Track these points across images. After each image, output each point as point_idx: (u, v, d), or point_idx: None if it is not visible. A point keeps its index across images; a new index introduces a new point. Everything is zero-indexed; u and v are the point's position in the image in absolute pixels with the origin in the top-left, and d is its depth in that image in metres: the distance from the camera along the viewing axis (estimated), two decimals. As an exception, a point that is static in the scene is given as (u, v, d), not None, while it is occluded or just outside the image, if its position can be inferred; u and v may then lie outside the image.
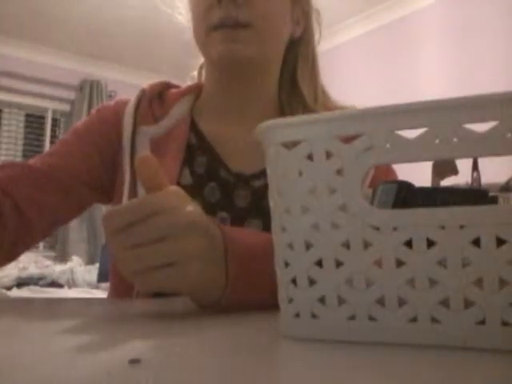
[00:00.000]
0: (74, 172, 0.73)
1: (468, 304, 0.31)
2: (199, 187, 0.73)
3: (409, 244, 0.32)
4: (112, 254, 0.46)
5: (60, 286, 3.32)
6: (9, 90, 4.36)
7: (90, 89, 4.64)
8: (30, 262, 3.43)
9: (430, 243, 0.31)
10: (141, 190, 0.70)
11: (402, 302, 0.32)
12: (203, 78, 0.84)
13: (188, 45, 0.79)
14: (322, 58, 0.84)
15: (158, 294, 0.64)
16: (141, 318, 0.48)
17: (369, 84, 3.68)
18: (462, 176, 0.45)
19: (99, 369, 0.27)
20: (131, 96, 0.79)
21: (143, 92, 0.78)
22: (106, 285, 3.01)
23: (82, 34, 4.14)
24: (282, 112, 0.79)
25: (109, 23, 3.97)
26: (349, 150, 0.33)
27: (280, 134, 0.35)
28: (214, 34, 0.70)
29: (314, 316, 0.35)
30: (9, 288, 3.08)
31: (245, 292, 0.49)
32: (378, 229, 0.32)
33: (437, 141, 0.31)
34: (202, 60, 0.84)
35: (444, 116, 0.31)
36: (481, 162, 0.43)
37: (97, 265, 3.64)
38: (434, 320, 0.32)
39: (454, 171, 0.45)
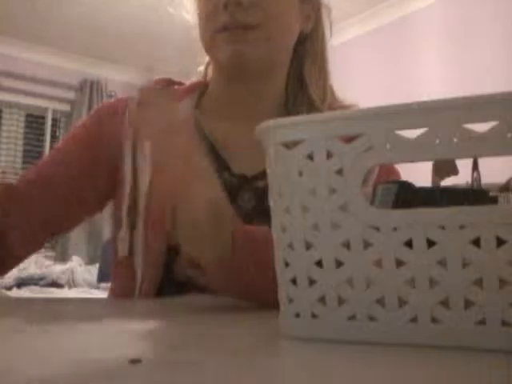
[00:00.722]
0: (72, 179, 0.72)
1: (468, 304, 0.31)
2: None
3: (409, 244, 0.32)
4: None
5: (60, 286, 3.32)
6: (9, 90, 4.36)
7: (90, 89, 4.63)
8: (30, 262, 3.43)
9: (430, 243, 0.31)
10: (141, 192, 0.69)
11: (402, 302, 0.32)
12: (208, 77, 0.83)
13: (188, 45, 0.78)
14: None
15: (158, 294, 0.64)
16: (141, 317, 0.48)
17: (369, 84, 3.68)
18: (462, 176, 0.45)
19: (99, 369, 0.27)
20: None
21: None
22: (106, 285, 3.01)
23: (82, 34, 4.13)
24: (287, 111, 0.78)
25: (109, 23, 3.97)
26: (349, 149, 0.33)
27: (280, 133, 0.35)
28: (219, 36, 0.69)
29: (314, 316, 0.35)
30: (9, 288, 3.08)
31: (247, 260, 0.51)
32: (377, 229, 0.32)
33: (437, 141, 0.31)
34: (202, 60, 0.83)
35: (444, 116, 0.31)
36: (481, 162, 0.43)
37: (97, 265, 3.65)
38: (434, 320, 0.32)
39: (454, 171, 0.45)
